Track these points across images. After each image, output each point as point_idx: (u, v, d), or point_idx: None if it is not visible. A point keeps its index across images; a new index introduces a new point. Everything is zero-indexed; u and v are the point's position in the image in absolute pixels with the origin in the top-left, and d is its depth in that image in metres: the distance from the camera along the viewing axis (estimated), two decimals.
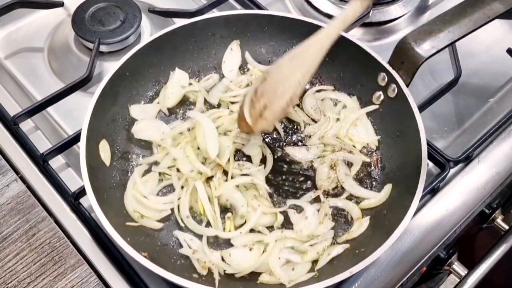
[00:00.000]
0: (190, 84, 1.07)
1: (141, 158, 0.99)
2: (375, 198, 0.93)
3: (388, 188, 0.93)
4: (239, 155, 1.00)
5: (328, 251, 0.87)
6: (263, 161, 0.99)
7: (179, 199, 0.93)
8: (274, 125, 0.97)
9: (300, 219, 0.92)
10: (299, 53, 0.87)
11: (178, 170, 0.96)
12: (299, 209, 0.94)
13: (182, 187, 0.94)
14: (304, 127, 1.04)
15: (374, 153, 1.01)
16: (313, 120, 1.05)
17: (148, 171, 0.97)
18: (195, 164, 0.94)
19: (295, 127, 1.04)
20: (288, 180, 0.98)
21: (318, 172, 0.98)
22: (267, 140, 1.02)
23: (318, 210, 0.93)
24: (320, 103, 1.06)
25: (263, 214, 0.91)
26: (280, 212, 0.93)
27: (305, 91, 1.08)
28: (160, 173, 0.97)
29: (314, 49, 0.84)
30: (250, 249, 0.88)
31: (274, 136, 1.03)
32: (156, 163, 0.98)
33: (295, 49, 0.91)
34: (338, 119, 1.04)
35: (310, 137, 1.03)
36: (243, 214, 0.91)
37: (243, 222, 0.91)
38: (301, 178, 0.98)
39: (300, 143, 1.02)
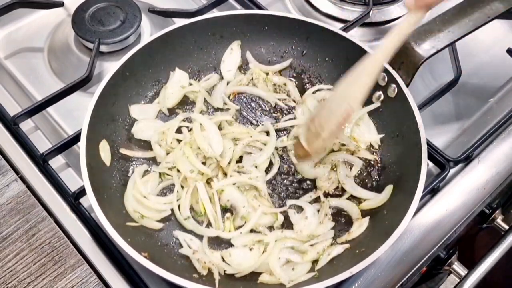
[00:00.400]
0: (190, 84, 1.07)
1: (141, 158, 0.99)
2: (375, 199, 0.93)
3: (389, 189, 0.93)
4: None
5: (328, 251, 0.87)
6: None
7: (178, 199, 0.93)
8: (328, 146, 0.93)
9: (300, 219, 0.92)
10: (355, 68, 0.85)
11: (178, 171, 0.96)
12: (299, 209, 0.94)
13: (182, 187, 0.94)
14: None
15: (374, 153, 1.01)
16: None
17: (148, 171, 0.97)
18: (195, 164, 0.94)
19: None
20: (288, 180, 0.98)
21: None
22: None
23: (318, 210, 0.93)
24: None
25: (263, 214, 0.92)
26: (280, 212, 0.93)
27: (304, 91, 1.08)
28: (160, 174, 0.97)
29: (370, 62, 0.82)
30: (250, 249, 0.88)
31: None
32: (156, 163, 0.98)
33: (350, 72, 0.88)
34: None
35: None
36: (243, 215, 0.91)
37: (243, 223, 0.91)
38: (301, 177, 0.98)
39: None
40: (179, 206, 0.92)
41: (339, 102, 0.85)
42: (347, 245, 0.88)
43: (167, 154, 0.98)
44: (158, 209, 0.92)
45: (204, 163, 0.96)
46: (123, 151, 0.96)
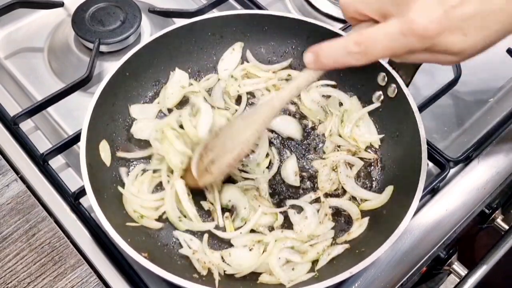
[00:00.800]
0: (190, 84, 1.07)
1: (141, 158, 0.99)
2: (376, 200, 0.93)
3: (389, 190, 0.93)
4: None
5: (328, 251, 0.87)
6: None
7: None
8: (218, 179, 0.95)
9: (300, 219, 0.92)
10: (251, 112, 0.88)
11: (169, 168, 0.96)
12: (299, 209, 0.94)
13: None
14: (317, 127, 1.04)
15: (374, 153, 1.01)
16: (319, 121, 1.05)
17: (145, 170, 0.97)
18: (179, 148, 0.94)
19: (308, 127, 1.05)
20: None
21: (319, 174, 0.98)
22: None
23: (318, 210, 0.93)
24: (324, 100, 1.06)
25: (263, 214, 0.92)
26: (280, 212, 0.93)
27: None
28: (155, 172, 0.96)
29: (265, 109, 0.85)
30: (250, 249, 0.88)
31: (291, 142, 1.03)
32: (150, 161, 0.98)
33: (249, 110, 0.94)
34: (342, 120, 1.04)
35: (323, 135, 1.03)
36: (244, 217, 0.91)
37: (243, 223, 0.91)
38: (301, 178, 0.98)
39: (316, 146, 1.03)
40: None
41: (233, 144, 0.88)
42: (347, 245, 0.88)
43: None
44: (153, 207, 0.92)
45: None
46: (121, 154, 0.96)
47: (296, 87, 0.81)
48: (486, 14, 0.62)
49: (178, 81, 1.06)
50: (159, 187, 0.96)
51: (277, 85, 1.08)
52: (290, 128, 1.04)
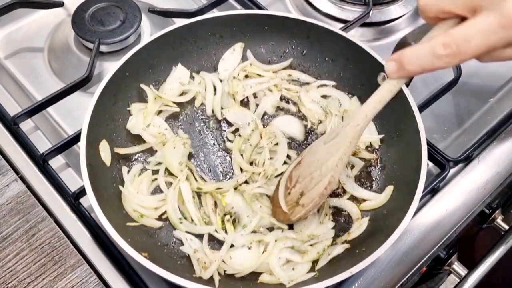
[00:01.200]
0: (190, 82, 1.07)
1: (141, 158, 0.99)
2: (375, 200, 0.93)
3: (389, 190, 0.93)
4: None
5: (328, 251, 0.87)
6: None
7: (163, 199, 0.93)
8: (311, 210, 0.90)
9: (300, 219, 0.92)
10: (335, 134, 0.84)
11: (167, 170, 0.96)
12: None
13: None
14: (317, 127, 1.04)
15: (374, 153, 1.01)
16: (319, 120, 1.05)
17: (144, 169, 0.97)
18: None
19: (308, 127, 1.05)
20: None
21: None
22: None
23: (318, 210, 0.93)
24: (324, 100, 1.06)
25: (265, 215, 0.91)
26: None
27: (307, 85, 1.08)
28: (153, 171, 0.96)
29: (350, 129, 0.81)
30: (249, 248, 0.88)
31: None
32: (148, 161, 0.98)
33: (330, 132, 0.86)
34: (342, 120, 1.04)
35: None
36: (245, 224, 0.90)
37: (244, 228, 0.91)
38: None
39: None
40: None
41: (321, 172, 0.84)
42: (347, 245, 0.88)
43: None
44: (152, 206, 0.92)
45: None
46: (118, 150, 0.96)
47: (379, 100, 0.78)
48: None
49: (178, 77, 1.06)
50: (158, 186, 0.95)
51: (278, 84, 1.08)
52: (292, 128, 1.04)
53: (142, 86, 1.02)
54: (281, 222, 0.90)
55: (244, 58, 1.10)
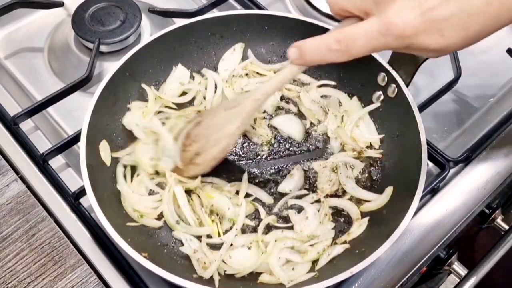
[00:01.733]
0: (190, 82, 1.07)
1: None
2: (376, 201, 0.93)
3: (389, 191, 0.93)
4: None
5: (328, 251, 0.87)
6: None
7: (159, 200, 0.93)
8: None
9: (300, 219, 0.92)
10: (235, 104, 0.88)
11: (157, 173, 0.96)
12: (298, 209, 0.94)
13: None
14: (317, 127, 1.04)
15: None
16: (318, 121, 1.05)
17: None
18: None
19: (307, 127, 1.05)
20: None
21: (319, 175, 0.98)
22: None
23: (318, 210, 0.93)
24: (324, 101, 1.06)
25: (249, 205, 0.92)
26: (279, 211, 0.93)
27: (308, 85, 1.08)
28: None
29: (250, 102, 0.85)
30: (249, 248, 0.88)
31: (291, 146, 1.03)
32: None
33: (231, 100, 0.93)
34: (342, 120, 1.04)
35: (323, 135, 1.03)
36: (230, 217, 0.90)
37: (232, 224, 0.91)
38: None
39: (315, 147, 1.02)
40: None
41: (218, 136, 0.89)
42: (347, 245, 0.88)
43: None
44: (151, 206, 0.92)
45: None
46: (114, 154, 0.95)
47: (280, 80, 0.83)
48: (465, 16, 0.63)
49: (178, 77, 1.06)
50: (158, 184, 0.95)
51: None
52: (292, 128, 1.04)
53: (143, 85, 1.02)
54: (178, 177, 0.93)
55: (244, 58, 1.10)
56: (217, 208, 0.92)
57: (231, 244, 0.89)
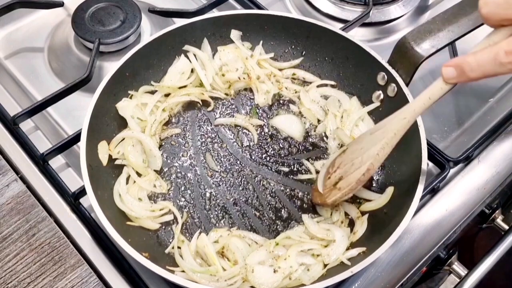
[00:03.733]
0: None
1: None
2: (376, 201, 0.93)
3: (389, 191, 0.93)
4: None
5: (346, 255, 0.86)
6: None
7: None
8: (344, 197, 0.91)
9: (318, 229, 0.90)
10: (382, 125, 0.85)
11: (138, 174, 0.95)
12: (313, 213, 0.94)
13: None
14: (316, 126, 1.04)
15: None
16: (318, 120, 1.05)
17: (139, 174, 0.96)
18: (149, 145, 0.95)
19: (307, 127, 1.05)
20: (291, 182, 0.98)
21: (320, 174, 0.98)
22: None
23: (331, 214, 0.93)
24: (324, 100, 1.06)
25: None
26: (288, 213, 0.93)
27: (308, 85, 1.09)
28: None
29: (396, 121, 0.83)
30: (275, 271, 0.84)
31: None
32: None
33: (378, 123, 0.88)
34: (342, 118, 1.04)
35: (323, 135, 1.03)
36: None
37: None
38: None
39: (316, 147, 1.02)
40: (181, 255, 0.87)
41: (362, 159, 0.86)
42: (363, 248, 0.86)
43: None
44: (144, 216, 0.91)
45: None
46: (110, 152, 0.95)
47: (428, 97, 0.79)
48: None
49: (180, 68, 1.05)
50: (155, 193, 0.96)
51: (280, 81, 1.08)
52: (292, 128, 1.04)
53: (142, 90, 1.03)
54: (317, 204, 0.93)
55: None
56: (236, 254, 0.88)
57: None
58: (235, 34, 1.08)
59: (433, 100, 0.79)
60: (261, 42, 1.09)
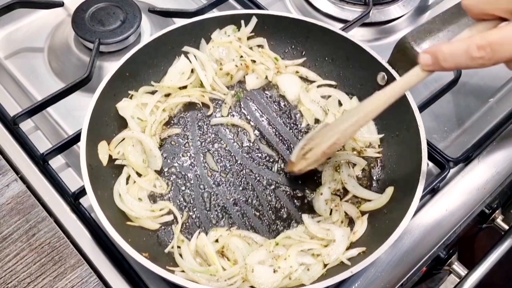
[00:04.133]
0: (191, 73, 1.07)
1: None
2: (376, 201, 0.93)
3: (389, 191, 0.93)
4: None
5: (345, 255, 0.86)
6: None
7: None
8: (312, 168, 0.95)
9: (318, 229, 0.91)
10: (356, 105, 0.88)
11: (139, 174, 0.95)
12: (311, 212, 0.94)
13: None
14: (316, 127, 1.04)
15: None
16: (318, 120, 1.05)
17: (140, 174, 0.96)
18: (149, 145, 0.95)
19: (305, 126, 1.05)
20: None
21: (323, 174, 0.98)
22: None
23: (330, 212, 0.93)
24: (323, 100, 1.06)
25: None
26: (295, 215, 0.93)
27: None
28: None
29: (370, 102, 0.84)
30: (275, 271, 0.84)
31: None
32: None
33: (352, 109, 0.92)
34: None
35: None
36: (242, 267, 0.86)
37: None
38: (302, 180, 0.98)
39: None
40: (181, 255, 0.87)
41: (332, 134, 0.89)
42: (363, 248, 0.86)
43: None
44: (148, 208, 0.91)
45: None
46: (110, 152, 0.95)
47: (404, 83, 0.81)
48: None
49: (180, 68, 1.05)
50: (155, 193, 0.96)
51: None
52: (288, 87, 1.06)
53: (142, 89, 1.03)
54: (289, 172, 0.97)
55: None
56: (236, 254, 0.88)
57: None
58: (215, 33, 1.09)
59: (410, 85, 0.81)
60: (246, 24, 1.09)
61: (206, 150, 1.01)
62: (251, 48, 1.09)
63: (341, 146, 0.97)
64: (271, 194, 0.96)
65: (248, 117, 1.05)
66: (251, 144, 1.02)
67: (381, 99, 0.83)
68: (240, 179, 0.97)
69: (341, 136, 0.87)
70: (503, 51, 0.65)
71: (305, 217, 0.93)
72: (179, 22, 1.06)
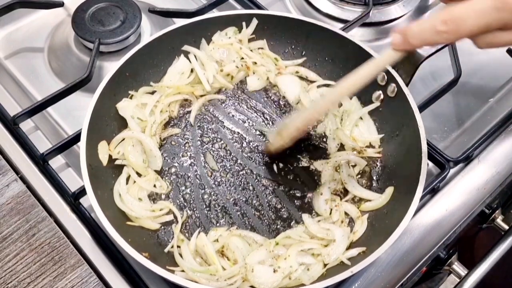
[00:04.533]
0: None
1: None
2: (375, 201, 0.93)
3: (389, 191, 0.93)
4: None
5: (345, 255, 0.86)
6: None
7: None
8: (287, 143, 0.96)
9: (318, 228, 0.90)
10: (331, 87, 0.91)
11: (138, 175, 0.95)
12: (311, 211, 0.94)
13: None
14: (316, 127, 1.04)
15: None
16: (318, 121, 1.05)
17: (140, 174, 0.96)
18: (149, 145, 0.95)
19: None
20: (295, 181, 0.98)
21: (323, 174, 0.98)
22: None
23: (328, 212, 0.93)
24: None
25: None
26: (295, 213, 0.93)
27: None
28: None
29: (343, 81, 0.86)
30: (275, 271, 0.84)
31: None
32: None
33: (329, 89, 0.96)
34: (341, 120, 1.04)
35: (325, 136, 1.03)
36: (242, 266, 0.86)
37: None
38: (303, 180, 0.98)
39: (316, 147, 1.02)
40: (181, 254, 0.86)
41: (305, 109, 0.93)
42: (363, 248, 0.86)
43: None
44: (148, 208, 0.91)
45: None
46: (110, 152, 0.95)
47: (377, 64, 0.83)
48: None
49: (180, 68, 1.05)
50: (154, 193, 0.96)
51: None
52: (289, 88, 1.07)
53: (140, 90, 1.03)
54: (266, 152, 1.00)
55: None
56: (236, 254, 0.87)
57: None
58: (215, 35, 1.09)
59: (380, 68, 0.83)
60: (248, 26, 1.09)
61: (206, 150, 1.01)
62: (251, 50, 1.09)
63: (315, 121, 1.01)
64: (271, 194, 0.96)
65: (248, 117, 1.05)
66: (252, 144, 1.02)
67: (354, 80, 0.85)
68: (240, 179, 0.97)
69: (314, 111, 0.91)
70: (467, 25, 0.67)
71: (305, 217, 0.93)
72: (179, 22, 1.06)
